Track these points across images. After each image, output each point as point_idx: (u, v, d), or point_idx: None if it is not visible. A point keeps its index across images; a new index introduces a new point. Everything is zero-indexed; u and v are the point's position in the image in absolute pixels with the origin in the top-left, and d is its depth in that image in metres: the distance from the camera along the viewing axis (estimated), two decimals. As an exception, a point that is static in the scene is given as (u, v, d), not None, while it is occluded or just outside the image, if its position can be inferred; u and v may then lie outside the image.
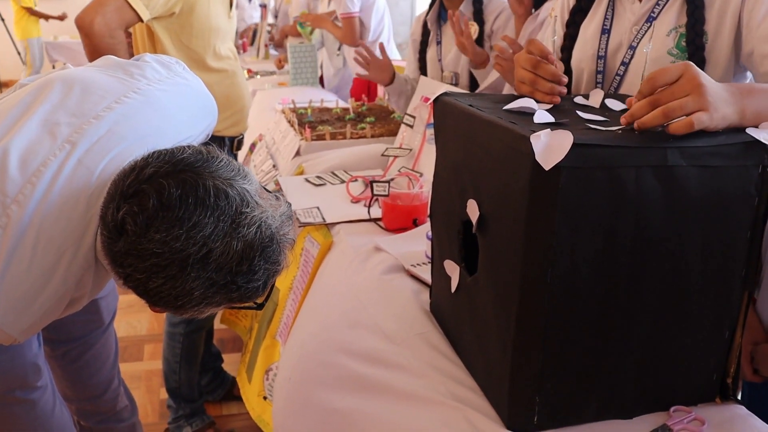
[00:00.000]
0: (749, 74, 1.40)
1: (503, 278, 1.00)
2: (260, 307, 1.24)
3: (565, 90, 1.23)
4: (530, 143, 0.88)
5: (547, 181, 0.88)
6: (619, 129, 0.97)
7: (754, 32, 1.28)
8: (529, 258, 0.93)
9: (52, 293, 1.13)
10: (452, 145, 1.18)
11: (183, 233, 0.98)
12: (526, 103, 1.10)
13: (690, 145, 0.93)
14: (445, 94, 1.21)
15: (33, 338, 1.42)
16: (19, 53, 9.10)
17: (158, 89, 1.29)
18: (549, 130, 0.89)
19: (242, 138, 2.39)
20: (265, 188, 1.14)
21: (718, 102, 0.94)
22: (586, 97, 1.26)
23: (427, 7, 2.70)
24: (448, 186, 1.21)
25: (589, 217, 0.91)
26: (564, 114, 1.10)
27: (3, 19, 8.96)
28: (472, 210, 1.06)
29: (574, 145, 0.87)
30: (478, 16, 2.46)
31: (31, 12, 8.78)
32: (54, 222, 1.10)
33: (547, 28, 2.10)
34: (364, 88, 4.07)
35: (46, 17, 8.85)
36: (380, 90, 3.60)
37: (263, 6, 5.61)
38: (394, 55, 4.26)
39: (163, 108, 1.27)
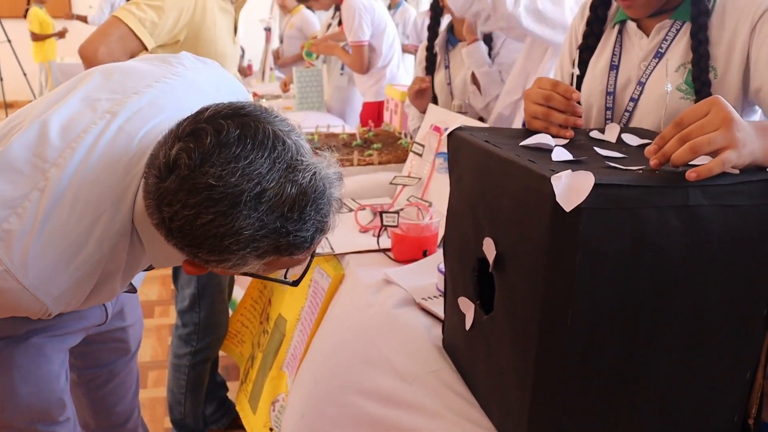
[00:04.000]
0: (759, 110, 1.38)
1: (521, 319, 0.98)
2: (296, 284, 1.22)
3: (581, 121, 1.22)
4: (550, 184, 0.86)
5: (568, 223, 0.86)
6: (639, 168, 0.95)
7: (762, 69, 1.26)
8: (549, 300, 0.92)
9: (87, 258, 1.11)
10: (467, 181, 1.16)
11: (239, 169, 0.96)
12: (542, 139, 1.09)
13: (712, 184, 0.91)
14: (460, 128, 1.20)
15: (62, 372, 1.40)
16: (25, 74, 9.12)
17: (196, 73, 1.30)
18: (569, 170, 0.87)
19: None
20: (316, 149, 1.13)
21: (747, 137, 0.93)
22: (602, 131, 1.25)
23: (427, 34, 2.71)
24: (463, 221, 1.19)
25: (610, 259, 0.89)
26: (581, 150, 1.08)
27: (10, 41, 9.00)
28: (489, 249, 1.05)
29: (595, 185, 0.85)
30: (487, 40, 2.47)
31: (35, 37, 8.81)
32: (92, 185, 1.09)
33: (552, 62, 2.10)
34: (374, 113, 4.05)
35: (45, 37, 8.87)
36: (386, 115, 3.58)
37: (267, 30, 5.62)
38: (405, 80, 4.25)
39: (201, 88, 1.28)
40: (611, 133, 1.22)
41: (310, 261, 1.16)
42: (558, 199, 0.85)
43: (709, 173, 0.89)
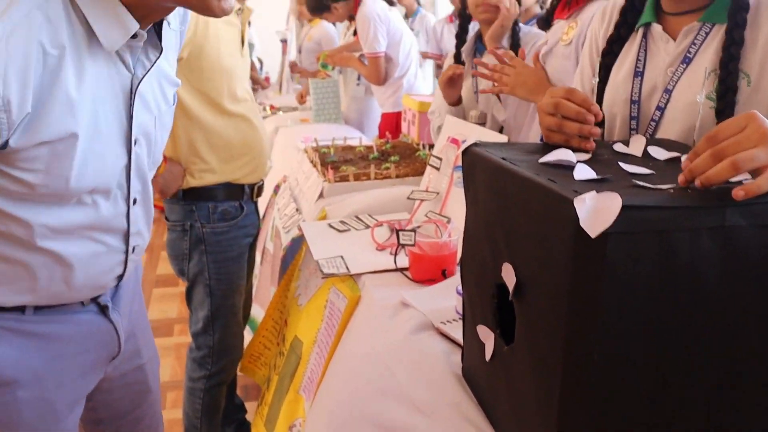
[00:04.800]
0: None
1: (544, 351, 0.91)
2: None
3: (598, 130, 1.14)
4: (574, 207, 0.79)
5: (593, 249, 0.79)
6: (670, 187, 0.88)
7: None
8: (573, 332, 0.84)
9: None
10: (483, 201, 1.09)
11: None
12: (563, 155, 1.02)
13: (751, 203, 0.83)
14: (475, 144, 1.13)
15: None
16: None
17: None
18: (594, 191, 0.80)
19: (262, 184, 2.33)
20: None
21: None
22: (626, 143, 1.17)
23: (455, 41, 2.64)
24: (479, 243, 1.12)
25: (638, 286, 0.82)
26: (605, 166, 1.01)
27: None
28: (508, 275, 0.97)
29: (622, 207, 0.78)
30: (515, 47, 2.40)
31: None
32: None
33: (567, 60, 2.00)
34: (393, 124, 3.99)
35: None
36: (404, 126, 3.52)
37: (284, 41, 5.59)
38: (423, 90, 4.19)
39: None
40: (637, 145, 1.14)
41: None
42: (582, 224, 0.78)
43: (759, 191, 0.81)
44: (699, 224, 0.82)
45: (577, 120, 1.12)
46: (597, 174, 0.94)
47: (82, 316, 1.35)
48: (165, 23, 1.28)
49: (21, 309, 1.25)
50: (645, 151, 1.12)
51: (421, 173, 2.48)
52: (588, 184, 0.88)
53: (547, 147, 1.13)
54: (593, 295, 0.81)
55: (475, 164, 1.11)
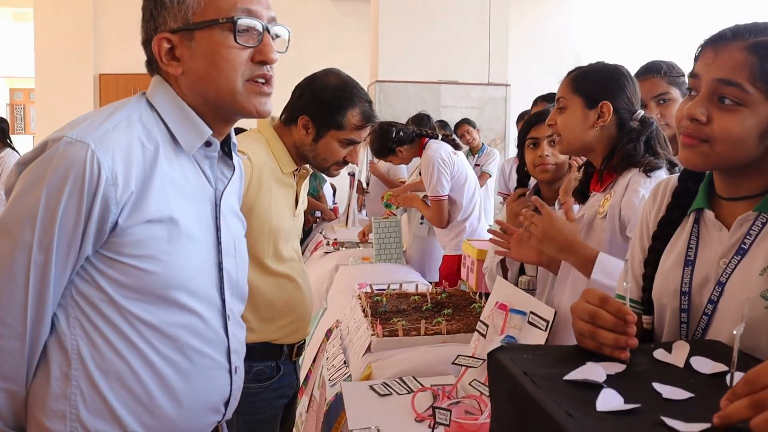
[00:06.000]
0: None
1: None
2: None
3: (635, 341, 1.06)
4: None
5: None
6: (705, 428, 0.79)
7: None
8: None
9: None
10: (506, 411, 1.01)
11: None
12: (591, 374, 0.94)
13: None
14: (501, 348, 1.06)
15: None
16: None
17: None
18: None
19: (303, 343, 2.27)
20: None
21: None
22: (668, 348, 1.08)
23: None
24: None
25: None
26: (638, 386, 0.93)
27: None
28: None
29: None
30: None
31: None
32: None
33: (604, 233, 1.90)
34: (454, 267, 3.92)
35: None
36: (463, 272, 3.46)
37: (351, 175, 5.69)
38: (486, 234, 4.14)
39: None
40: (679, 354, 1.05)
41: None
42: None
43: None
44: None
45: (613, 330, 1.05)
46: (625, 399, 0.86)
47: None
48: (233, 152, 1.44)
49: None
50: (687, 363, 1.03)
51: (474, 329, 2.40)
52: (610, 419, 0.80)
53: (579, 352, 1.05)
54: None
55: (497, 371, 1.04)
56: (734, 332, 0.87)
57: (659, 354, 1.06)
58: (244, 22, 1.26)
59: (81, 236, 1.16)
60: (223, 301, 1.37)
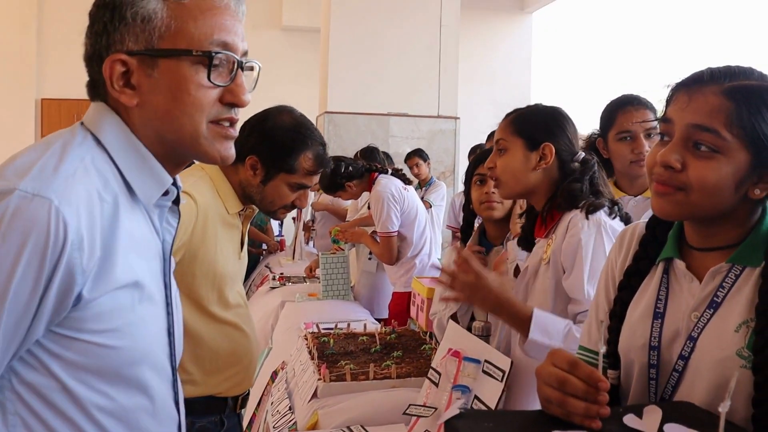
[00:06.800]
0: None
1: None
2: None
3: (607, 410, 0.98)
4: None
5: None
6: None
7: None
8: None
9: None
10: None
11: None
12: (560, 448, 0.86)
13: None
14: (460, 416, 0.97)
15: None
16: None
17: None
18: None
19: (247, 394, 2.13)
20: None
21: None
22: (639, 412, 1.01)
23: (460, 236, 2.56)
24: None
25: None
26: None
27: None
28: None
29: None
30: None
31: None
32: None
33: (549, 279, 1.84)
34: (404, 305, 3.82)
35: None
36: (413, 310, 3.37)
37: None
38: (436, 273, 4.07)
39: None
40: (651, 419, 0.98)
41: None
42: None
43: None
44: None
45: (584, 399, 0.97)
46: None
47: None
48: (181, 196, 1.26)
49: None
50: (660, 430, 0.95)
51: (425, 372, 2.31)
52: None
53: (544, 419, 0.97)
54: None
55: (458, 441, 0.95)
56: (720, 410, 0.80)
57: (629, 420, 0.99)
58: (220, 57, 1.10)
59: (33, 314, 0.95)
60: (173, 369, 1.20)
